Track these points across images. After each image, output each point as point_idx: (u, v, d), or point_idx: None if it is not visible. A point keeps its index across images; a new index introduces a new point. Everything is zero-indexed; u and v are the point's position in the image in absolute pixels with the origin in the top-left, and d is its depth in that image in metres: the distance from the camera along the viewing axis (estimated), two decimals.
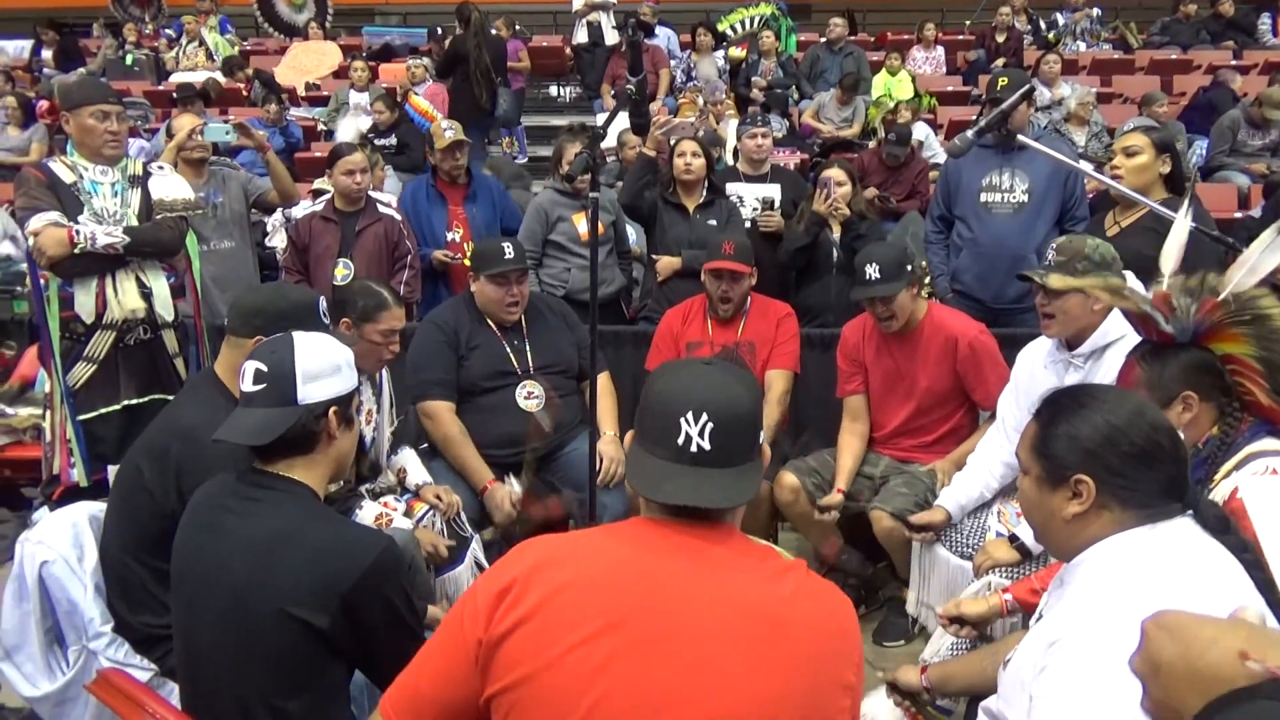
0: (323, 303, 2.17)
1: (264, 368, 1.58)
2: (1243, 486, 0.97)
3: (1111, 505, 1.35)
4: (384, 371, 2.86)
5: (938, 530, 2.73)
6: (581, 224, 4.00)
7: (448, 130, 4.27)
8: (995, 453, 2.73)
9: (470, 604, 1.24)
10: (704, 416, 1.25)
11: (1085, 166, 2.88)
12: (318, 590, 1.46)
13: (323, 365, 1.61)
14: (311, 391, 1.59)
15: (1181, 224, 1.84)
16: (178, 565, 1.62)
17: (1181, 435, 1.61)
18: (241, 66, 9.07)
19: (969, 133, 2.22)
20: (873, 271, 2.88)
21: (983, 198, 3.82)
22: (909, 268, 2.90)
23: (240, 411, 1.60)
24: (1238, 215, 6.00)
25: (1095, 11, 9.80)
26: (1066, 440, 1.39)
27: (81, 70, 9.57)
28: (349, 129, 5.97)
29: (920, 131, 7.09)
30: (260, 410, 1.57)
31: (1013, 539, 2.47)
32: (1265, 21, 9.69)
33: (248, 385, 1.59)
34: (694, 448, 1.25)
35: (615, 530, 1.30)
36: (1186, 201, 1.88)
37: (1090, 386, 1.56)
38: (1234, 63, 8.76)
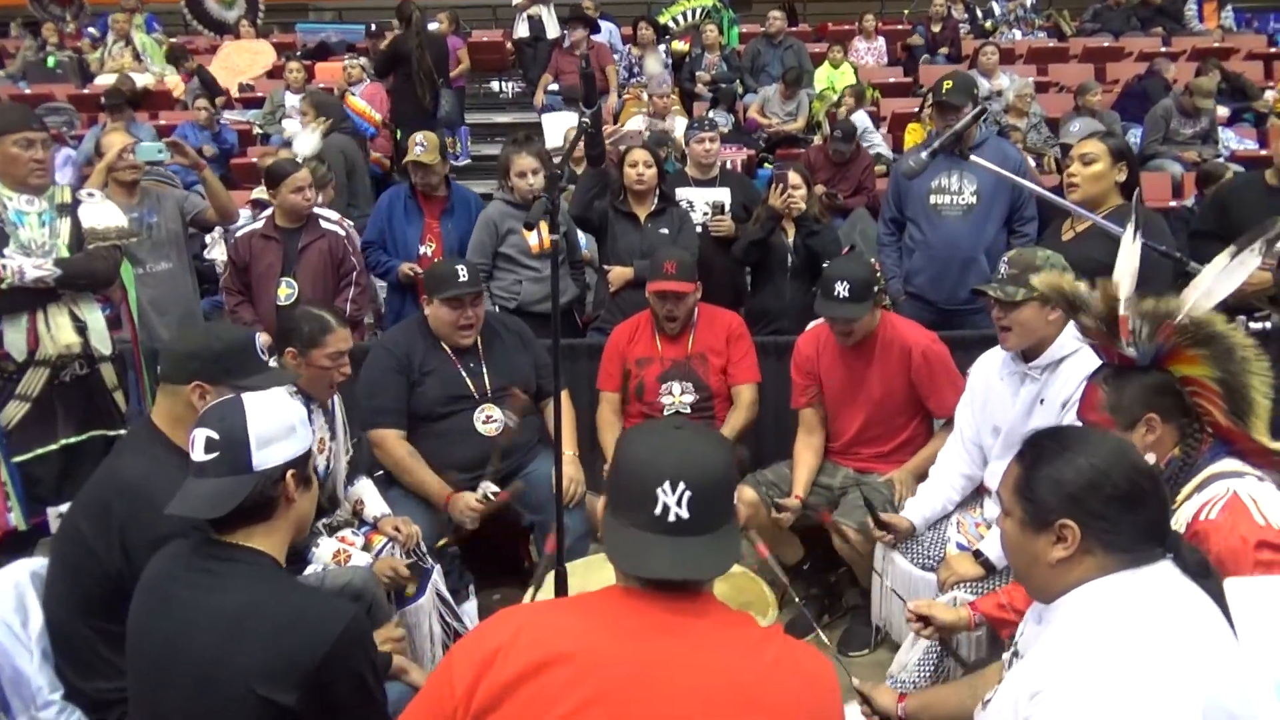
0: (260, 339, 2.10)
1: (215, 435, 1.52)
2: (1231, 588, 0.97)
3: (1095, 549, 1.36)
4: (336, 397, 2.79)
5: (900, 536, 2.75)
6: (532, 236, 3.93)
7: (417, 146, 4.16)
8: (955, 465, 2.76)
9: (447, 679, 1.23)
10: (681, 485, 1.23)
11: (1034, 185, 2.90)
12: (284, 669, 1.41)
13: (276, 428, 1.55)
14: (267, 456, 1.53)
15: (1131, 248, 1.85)
16: (134, 641, 1.55)
17: (1150, 459, 1.63)
18: (187, 57, 8.78)
19: (923, 154, 2.23)
20: (842, 290, 2.88)
21: (932, 199, 3.85)
22: (876, 289, 2.92)
23: (192, 482, 1.53)
24: (1172, 204, 6.15)
25: (1029, 0, 9.95)
26: (1050, 484, 1.39)
27: (0, 72, 9.19)
28: (306, 143, 5.78)
29: (859, 122, 7.14)
30: (213, 480, 1.50)
31: (976, 554, 2.49)
32: (1192, 8, 9.94)
33: (199, 454, 1.52)
34: (672, 517, 1.23)
35: (594, 604, 1.29)
36: (1133, 224, 1.87)
37: (1072, 428, 1.56)
38: (1164, 49, 8.97)
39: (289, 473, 1.56)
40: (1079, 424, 1.85)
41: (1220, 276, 1.76)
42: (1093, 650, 1.26)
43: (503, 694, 1.18)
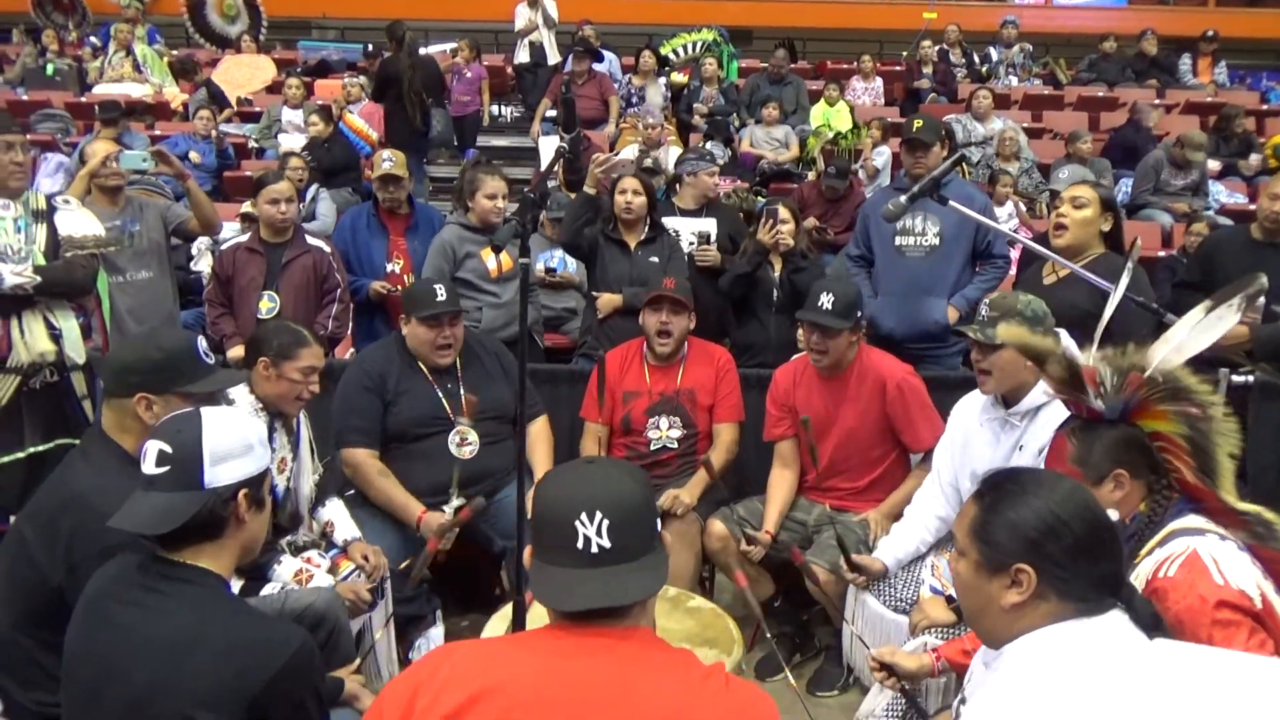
0: (201, 343, 2.04)
1: (168, 448, 1.48)
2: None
3: (1050, 596, 1.33)
4: (302, 416, 2.76)
5: (873, 577, 2.72)
6: (490, 260, 3.89)
7: (385, 161, 4.17)
8: (930, 506, 2.73)
9: (378, 715, 1.22)
10: (598, 514, 1.24)
11: (1005, 229, 2.91)
12: (226, 694, 1.37)
13: (233, 445, 1.51)
14: (220, 474, 1.49)
15: (1114, 298, 1.84)
16: (70, 658, 1.50)
17: (1114, 514, 1.60)
18: (197, 69, 8.82)
19: (903, 198, 2.24)
20: (826, 300, 2.89)
21: (897, 240, 3.84)
22: (859, 313, 2.93)
23: (140, 495, 1.49)
24: (1161, 254, 6.17)
25: (1027, 47, 10.05)
26: (1009, 527, 1.35)
27: None
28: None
29: (880, 159, 7.19)
30: (162, 495, 1.47)
31: (950, 599, 2.46)
32: (1186, 62, 10.04)
33: (149, 467, 1.48)
34: (594, 548, 1.24)
35: (525, 640, 1.29)
36: (1125, 274, 1.87)
37: (1033, 471, 1.53)
38: (1158, 101, 9.04)
39: (241, 492, 1.52)
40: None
41: (1195, 331, 1.74)
42: (1036, 703, 1.23)
43: None
